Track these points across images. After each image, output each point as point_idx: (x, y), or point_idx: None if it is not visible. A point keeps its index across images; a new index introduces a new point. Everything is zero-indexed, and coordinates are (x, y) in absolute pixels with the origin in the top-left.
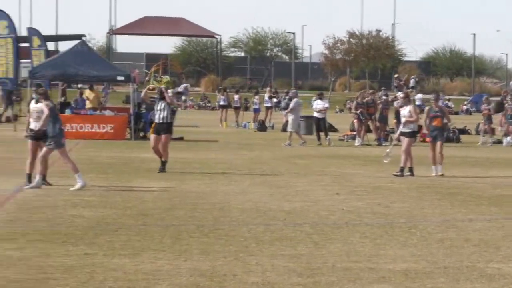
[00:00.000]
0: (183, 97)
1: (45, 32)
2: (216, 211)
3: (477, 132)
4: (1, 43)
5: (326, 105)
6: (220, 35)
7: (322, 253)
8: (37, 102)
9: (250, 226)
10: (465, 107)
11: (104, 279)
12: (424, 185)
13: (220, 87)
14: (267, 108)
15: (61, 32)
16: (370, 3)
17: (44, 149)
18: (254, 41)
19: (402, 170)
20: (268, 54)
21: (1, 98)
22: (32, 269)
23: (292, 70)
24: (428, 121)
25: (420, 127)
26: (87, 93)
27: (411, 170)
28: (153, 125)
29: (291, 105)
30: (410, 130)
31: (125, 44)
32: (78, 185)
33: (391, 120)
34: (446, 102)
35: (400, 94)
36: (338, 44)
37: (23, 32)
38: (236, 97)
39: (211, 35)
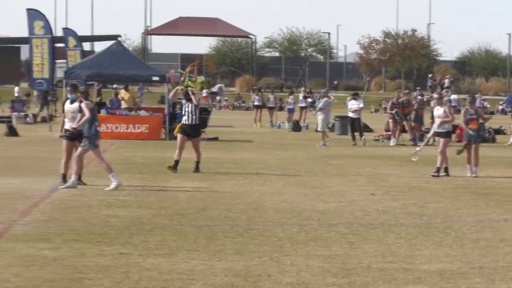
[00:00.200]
0: (217, 97)
1: (80, 32)
2: (250, 211)
3: None
4: (36, 43)
5: (361, 105)
6: (255, 35)
7: (357, 253)
8: (72, 102)
9: (284, 226)
10: (500, 107)
11: (139, 279)
12: (459, 185)
13: (254, 87)
14: (302, 108)
15: (97, 32)
16: (405, 3)
17: (79, 149)
18: (289, 41)
19: (438, 170)
20: (302, 54)
21: (37, 98)
22: (67, 269)
23: (327, 70)
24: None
25: (455, 127)
26: (122, 94)
27: (446, 170)
28: (180, 125)
29: (320, 104)
30: (445, 130)
31: (160, 45)
32: (113, 185)
33: (427, 120)
34: (483, 102)
35: (434, 95)
36: (374, 44)
37: (59, 33)
38: (271, 97)
39: (246, 35)
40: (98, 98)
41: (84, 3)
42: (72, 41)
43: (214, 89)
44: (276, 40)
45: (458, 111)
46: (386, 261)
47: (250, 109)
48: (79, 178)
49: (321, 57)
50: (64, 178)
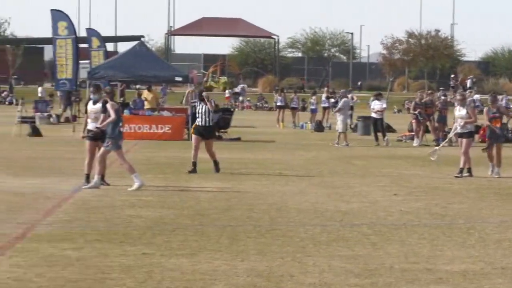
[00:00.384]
0: (240, 98)
1: (104, 33)
2: (273, 211)
3: None
4: (60, 44)
5: (384, 105)
6: (277, 36)
7: (379, 254)
8: (95, 103)
9: (307, 226)
10: None
11: (162, 279)
12: (483, 185)
13: (277, 88)
14: (324, 108)
15: (120, 33)
16: (429, 3)
17: (102, 149)
18: (312, 41)
19: (461, 171)
20: (325, 54)
21: (60, 98)
22: (90, 269)
23: (350, 71)
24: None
25: (478, 127)
26: (145, 94)
27: (469, 170)
28: (194, 126)
29: (340, 104)
30: (467, 131)
31: (183, 45)
32: (135, 185)
33: (450, 121)
34: (509, 103)
35: (457, 96)
36: (397, 44)
37: (82, 33)
38: (294, 97)
39: (268, 36)
40: (122, 99)
41: (107, 4)
42: (95, 42)
43: (237, 89)
44: (299, 40)
45: (481, 111)
46: (409, 262)
47: (273, 110)
48: (102, 178)
49: (344, 57)
50: (88, 178)
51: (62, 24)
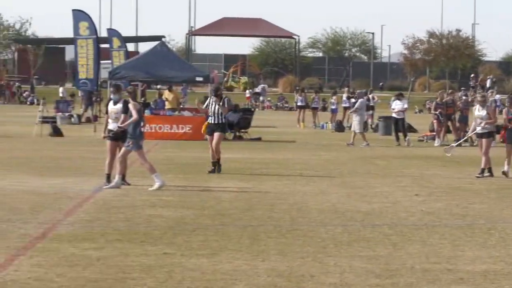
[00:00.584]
0: (260, 98)
1: (125, 33)
2: (294, 211)
3: None
4: (82, 44)
5: (405, 105)
6: (298, 36)
7: (400, 254)
8: (115, 103)
9: (328, 227)
10: None
11: (182, 279)
12: (504, 186)
13: (298, 88)
14: (345, 108)
15: (141, 33)
16: (450, 2)
17: (123, 149)
18: (333, 41)
19: (483, 171)
20: (346, 54)
21: (81, 99)
22: (111, 269)
23: (371, 70)
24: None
25: (499, 127)
26: (166, 94)
27: (490, 170)
28: (206, 124)
29: (357, 105)
30: (487, 131)
31: (204, 45)
32: (156, 185)
33: (472, 121)
34: None
35: (477, 97)
36: (418, 44)
37: (103, 33)
38: (315, 97)
39: (289, 36)
40: (143, 99)
41: (129, 4)
42: (116, 42)
43: (257, 89)
44: (319, 40)
45: (501, 112)
46: (430, 262)
47: (293, 110)
48: (123, 178)
49: (365, 57)
50: (109, 178)
51: (83, 24)
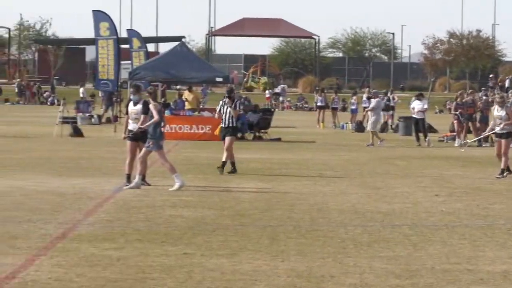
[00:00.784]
0: (280, 98)
1: (145, 33)
2: (313, 212)
3: None
4: (102, 44)
5: (425, 106)
6: (318, 36)
7: (420, 254)
8: (135, 104)
9: (348, 227)
10: None
11: (202, 279)
12: None
13: (317, 88)
14: (365, 108)
15: (161, 34)
16: (470, 3)
17: (143, 149)
18: (353, 41)
19: (503, 171)
20: (366, 54)
21: (102, 99)
22: (131, 269)
23: (391, 71)
24: None
25: None
26: (186, 94)
27: (509, 169)
28: (219, 128)
29: (372, 104)
30: (506, 132)
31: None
32: (176, 185)
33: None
34: None
35: (496, 98)
36: (438, 44)
37: (123, 34)
38: (334, 97)
39: (309, 36)
40: (163, 99)
41: (149, 5)
42: (136, 42)
43: (277, 89)
44: (339, 40)
45: None
46: (450, 262)
47: (313, 110)
48: (143, 178)
49: (385, 57)
50: (129, 178)
51: (104, 25)
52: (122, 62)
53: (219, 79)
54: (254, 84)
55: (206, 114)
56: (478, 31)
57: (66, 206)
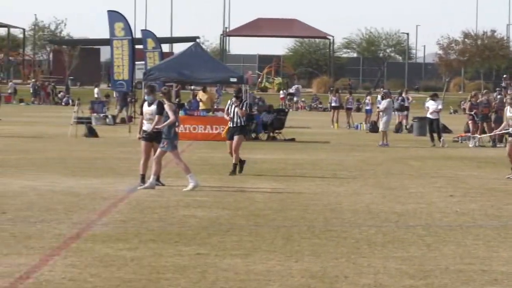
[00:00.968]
0: (294, 98)
1: (159, 34)
2: (327, 212)
3: None
4: (117, 45)
5: (440, 106)
6: (333, 36)
7: (435, 255)
8: (150, 104)
9: (362, 227)
10: None
11: (216, 279)
12: None
13: (332, 88)
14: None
15: (176, 34)
16: (485, 3)
17: (158, 150)
18: (367, 41)
19: None
20: (381, 54)
21: (116, 99)
22: (145, 269)
23: (406, 71)
24: None
25: None
26: (200, 95)
27: None
28: (226, 129)
29: (384, 104)
30: None
31: (238, 46)
32: (190, 186)
33: None
34: None
35: (507, 98)
36: (453, 45)
37: (138, 34)
38: (349, 98)
39: (324, 36)
40: (177, 100)
41: (163, 5)
42: (150, 43)
43: (291, 90)
44: (354, 40)
45: None
46: (464, 263)
47: (327, 110)
48: (157, 178)
49: (400, 57)
50: (143, 178)
51: (119, 25)
52: (136, 62)
53: (233, 80)
54: (268, 85)
55: (220, 114)
56: (493, 31)
57: (80, 206)
